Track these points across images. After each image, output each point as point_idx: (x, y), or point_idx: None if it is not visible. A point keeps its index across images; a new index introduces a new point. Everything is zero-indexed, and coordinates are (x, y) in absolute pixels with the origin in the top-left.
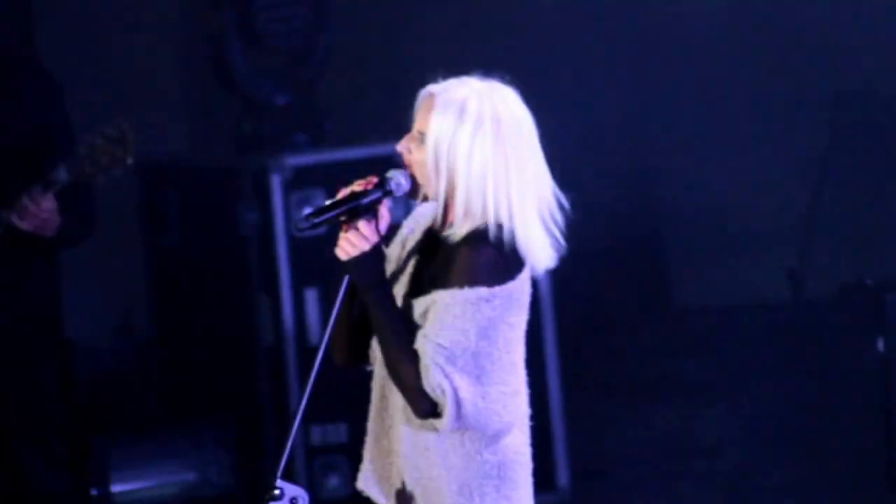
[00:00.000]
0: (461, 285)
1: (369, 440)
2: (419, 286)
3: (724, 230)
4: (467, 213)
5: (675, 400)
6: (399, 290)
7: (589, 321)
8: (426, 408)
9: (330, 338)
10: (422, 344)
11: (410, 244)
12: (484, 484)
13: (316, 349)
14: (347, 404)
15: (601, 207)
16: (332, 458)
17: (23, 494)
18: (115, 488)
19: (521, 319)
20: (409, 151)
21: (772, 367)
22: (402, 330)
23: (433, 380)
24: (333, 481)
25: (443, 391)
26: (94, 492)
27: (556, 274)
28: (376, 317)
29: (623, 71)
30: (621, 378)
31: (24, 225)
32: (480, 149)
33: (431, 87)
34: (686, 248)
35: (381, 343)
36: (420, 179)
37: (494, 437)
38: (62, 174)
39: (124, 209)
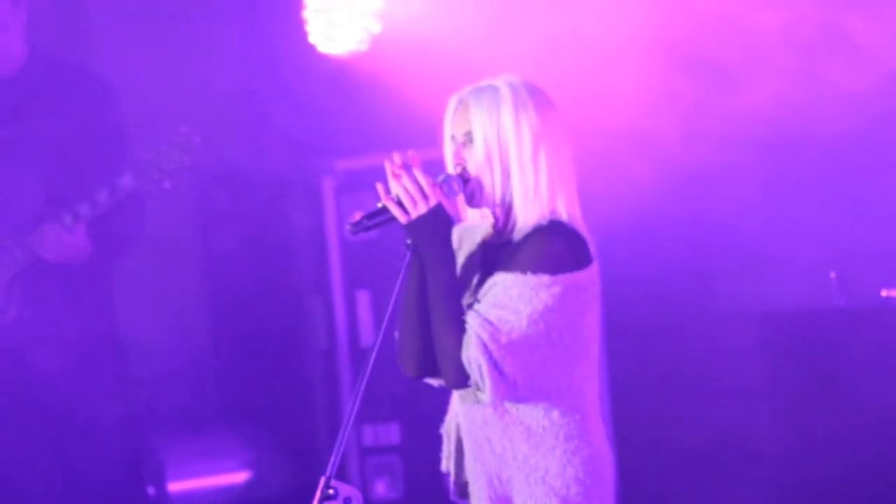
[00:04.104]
0: (524, 270)
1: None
2: (482, 277)
3: (769, 233)
4: (530, 197)
5: (722, 403)
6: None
7: (636, 324)
8: (459, 378)
9: (401, 346)
10: (471, 317)
11: (462, 258)
12: (549, 461)
13: (368, 350)
14: (400, 405)
15: (649, 209)
16: (385, 459)
17: (79, 493)
18: (171, 487)
19: (587, 310)
20: (463, 157)
21: (821, 372)
22: (456, 299)
23: (471, 351)
24: (385, 481)
25: (479, 365)
26: (149, 490)
27: (605, 279)
28: (432, 280)
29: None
30: (669, 381)
31: (49, 256)
32: (526, 118)
33: (458, 94)
34: (733, 251)
35: (432, 307)
36: (480, 179)
37: (556, 426)
38: (127, 179)
39: (180, 212)
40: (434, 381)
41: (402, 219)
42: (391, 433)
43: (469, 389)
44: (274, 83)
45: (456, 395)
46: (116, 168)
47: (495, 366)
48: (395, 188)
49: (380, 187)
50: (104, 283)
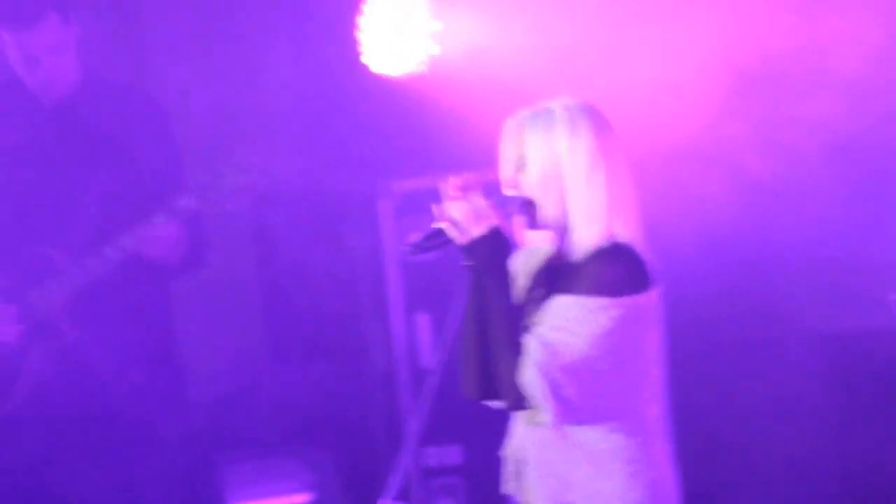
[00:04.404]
0: (582, 292)
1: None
2: (543, 303)
3: (838, 249)
4: (587, 220)
5: (786, 422)
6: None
7: (702, 342)
8: (517, 401)
9: (461, 369)
10: (528, 339)
11: (521, 281)
12: (606, 482)
13: (429, 372)
14: (462, 426)
15: (717, 225)
16: (447, 480)
17: None
18: None
19: (647, 334)
20: (518, 181)
21: (886, 394)
22: (514, 321)
23: (529, 375)
24: (447, 503)
25: (535, 387)
26: None
27: (671, 295)
28: (491, 303)
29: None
30: (734, 400)
31: (150, 252)
32: (581, 141)
33: (514, 117)
34: (801, 267)
35: (491, 329)
36: (536, 202)
37: (617, 448)
38: (187, 202)
39: (237, 234)
40: (495, 404)
41: (459, 241)
42: (453, 454)
43: (530, 412)
44: (332, 104)
45: (518, 417)
46: (175, 190)
47: (553, 388)
48: (453, 210)
49: (437, 209)
50: (163, 304)
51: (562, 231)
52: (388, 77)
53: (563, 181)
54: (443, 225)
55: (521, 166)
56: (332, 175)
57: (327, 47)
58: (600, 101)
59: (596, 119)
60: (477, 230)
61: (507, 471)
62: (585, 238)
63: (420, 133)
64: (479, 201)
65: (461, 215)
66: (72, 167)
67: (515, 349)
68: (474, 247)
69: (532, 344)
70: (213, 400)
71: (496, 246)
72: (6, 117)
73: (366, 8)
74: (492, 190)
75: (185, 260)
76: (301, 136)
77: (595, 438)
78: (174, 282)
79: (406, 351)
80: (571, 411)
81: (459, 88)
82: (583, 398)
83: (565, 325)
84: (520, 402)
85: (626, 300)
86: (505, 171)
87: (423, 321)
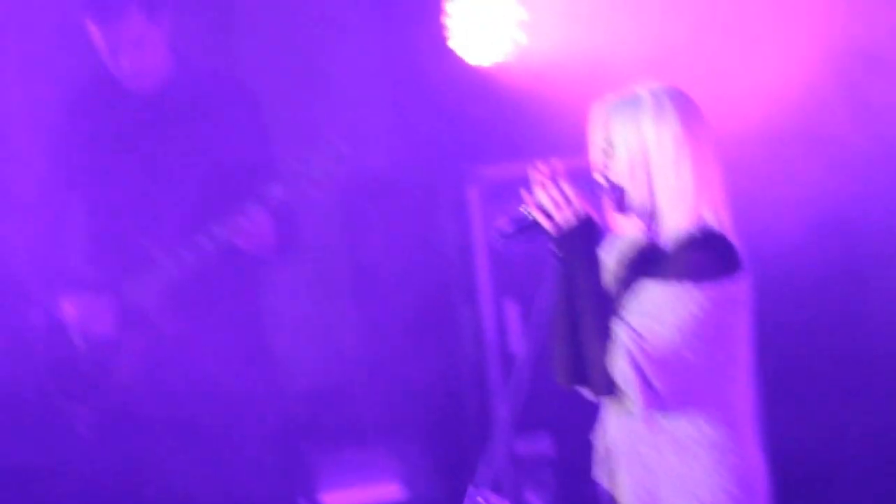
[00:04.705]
0: (671, 279)
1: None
2: (630, 285)
3: None
4: (675, 205)
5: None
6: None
7: (796, 329)
8: (606, 387)
9: (553, 355)
10: (617, 326)
11: (611, 268)
12: (695, 470)
13: (518, 359)
14: (552, 415)
15: (818, 209)
16: (537, 468)
17: (223, 501)
18: (323, 499)
19: (736, 320)
20: (606, 167)
21: None
22: (603, 308)
23: (618, 362)
24: (537, 491)
25: (625, 375)
26: (300, 501)
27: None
28: (580, 290)
29: None
30: (828, 386)
31: (241, 241)
32: (667, 126)
33: (602, 102)
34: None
35: (581, 316)
36: (624, 187)
37: (705, 437)
38: (276, 191)
39: (326, 223)
40: (586, 390)
41: (549, 228)
42: (543, 443)
43: (619, 400)
44: (419, 91)
45: (607, 405)
46: (265, 180)
47: (643, 376)
48: (542, 198)
49: (526, 196)
50: (255, 295)
51: (650, 217)
52: (478, 65)
53: (651, 167)
54: (531, 212)
55: (608, 152)
56: (421, 162)
57: (415, 34)
58: (694, 86)
59: (683, 104)
60: (566, 219)
61: (597, 457)
62: (674, 224)
63: (509, 119)
64: (568, 189)
65: (550, 204)
66: (165, 158)
67: (605, 337)
68: (563, 236)
69: (621, 332)
70: (304, 391)
71: (585, 235)
72: (98, 107)
73: None
74: (581, 176)
75: (276, 249)
76: (389, 123)
77: (682, 426)
78: (266, 271)
79: (496, 338)
80: (659, 400)
81: (548, 74)
82: (670, 387)
83: (654, 312)
84: (609, 389)
85: (716, 286)
86: (593, 156)
87: (513, 308)
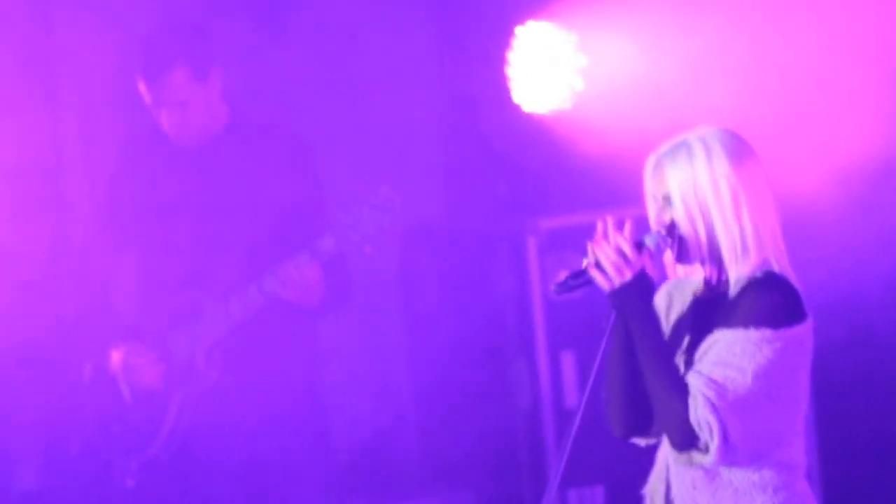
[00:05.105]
0: (746, 325)
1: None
2: (698, 334)
3: None
4: (738, 251)
5: None
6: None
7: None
8: (687, 440)
9: (608, 406)
10: (693, 377)
11: (673, 315)
12: None
13: (573, 412)
14: (604, 467)
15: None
16: None
17: None
18: None
19: (803, 365)
20: (664, 217)
21: None
22: (668, 362)
23: (701, 413)
24: None
25: (709, 425)
26: None
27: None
28: (642, 348)
29: None
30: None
31: (289, 294)
32: (722, 172)
33: (655, 153)
34: None
35: (647, 373)
36: (684, 237)
37: (764, 481)
38: (329, 243)
39: (381, 273)
40: (642, 441)
41: (605, 286)
42: (596, 496)
43: (686, 453)
44: (476, 140)
45: (664, 456)
46: (317, 231)
47: (722, 428)
48: (599, 255)
49: (588, 248)
50: (305, 347)
51: (713, 263)
52: (535, 113)
53: (710, 215)
54: (590, 271)
55: (665, 202)
56: (479, 212)
57: (473, 81)
58: (754, 129)
59: (734, 145)
60: (621, 278)
61: None
62: (738, 269)
63: (567, 169)
64: (625, 246)
65: (606, 262)
66: (217, 211)
67: (681, 389)
68: (620, 293)
69: (698, 382)
70: (355, 447)
71: (642, 291)
72: (152, 157)
73: (515, 43)
74: (640, 228)
75: (326, 302)
76: (446, 173)
77: (744, 475)
78: (317, 323)
79: (551, 390)
80: (733, 452)
81: (606, 124)
82: (746, 439)
83: (732, 361)
84: (691, 442)
85: (788, 331)
86: (650, 208)
87: (569, 360)
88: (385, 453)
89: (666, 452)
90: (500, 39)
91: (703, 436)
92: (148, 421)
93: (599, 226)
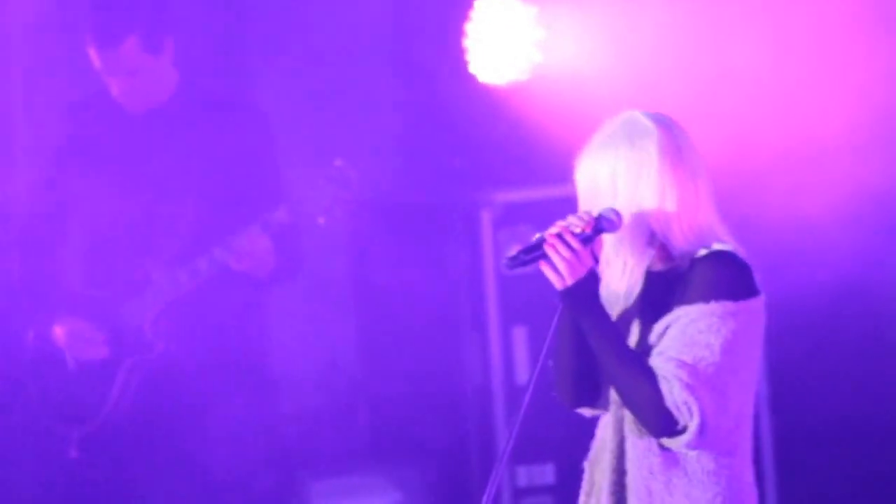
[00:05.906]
0: (706, 300)
1: (588, 480)
2: (653, 315)
3: None
4: (677, 225)
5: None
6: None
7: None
8: (667, 426)
9: (556, 376)
10: (660, 361)
11: (621, 303)
12: None
13: (523, 388)
14: (555, 445)
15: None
16: (539, 500)
17: None
18: None
19: (758, 342)
20: (599, 204)
21: None
22: (629, 351)
23: (678, 395)
24: None
25: (688, 406)
26: None
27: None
28: (599, 343)
29: None
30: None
31: (239, 265)
32: (648, 153)
33: (585, 145)
34: None
35: (609, 368)
36: (623, 221)
37: (719, 469)
38: (282, 215)
39: (333, 247)
40: (588, 412)
41: (557, 285)
42: (546, 474)
43: (661, 437)
44: (432, 112)
45: (610, 432)
46: (271, 202)
47: (702, 406)
48: (551, 254)
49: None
50: (253, 318)
51: (653, 245)
52: (491, 85)
53: (638, 195)
54: (543, 269)
55: (598, 189)
56: (432, 186)
57: (430, 53)
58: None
59: (664, 127)
60: (574, 276)
61: (586, 483)
62: (679, 243)
63: (522, 143)
64: (577, 245)
65: (560, 262)
66: (164, 179)
67: (648, 375)
68: (571, 292)
69: (668, 365)
70: (302, 415)
71: (591, 287)
72: (98, 124)
73: (473, 15)
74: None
75: (275, 274)
76: (400, 146)
77: (700, 464)
78: (264, 295)
79: (502, 366)
80: (712, 431)
81: (562, 98)
82: (718, 416)
83: (698, 338)
84: (669, 427)
85: (747, 304)
86: (583, 197)
87: (520, 336)
88: (329, 424)
89: (612, 430)
90: (457, 10)
91: (683, 418)
92: (92, 391)
93: (551, 229)
